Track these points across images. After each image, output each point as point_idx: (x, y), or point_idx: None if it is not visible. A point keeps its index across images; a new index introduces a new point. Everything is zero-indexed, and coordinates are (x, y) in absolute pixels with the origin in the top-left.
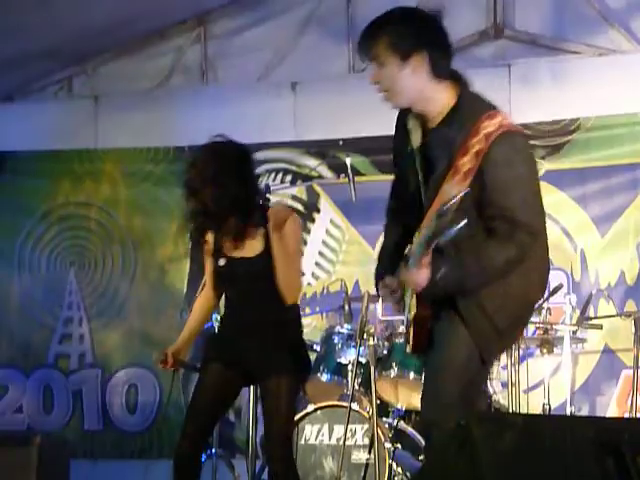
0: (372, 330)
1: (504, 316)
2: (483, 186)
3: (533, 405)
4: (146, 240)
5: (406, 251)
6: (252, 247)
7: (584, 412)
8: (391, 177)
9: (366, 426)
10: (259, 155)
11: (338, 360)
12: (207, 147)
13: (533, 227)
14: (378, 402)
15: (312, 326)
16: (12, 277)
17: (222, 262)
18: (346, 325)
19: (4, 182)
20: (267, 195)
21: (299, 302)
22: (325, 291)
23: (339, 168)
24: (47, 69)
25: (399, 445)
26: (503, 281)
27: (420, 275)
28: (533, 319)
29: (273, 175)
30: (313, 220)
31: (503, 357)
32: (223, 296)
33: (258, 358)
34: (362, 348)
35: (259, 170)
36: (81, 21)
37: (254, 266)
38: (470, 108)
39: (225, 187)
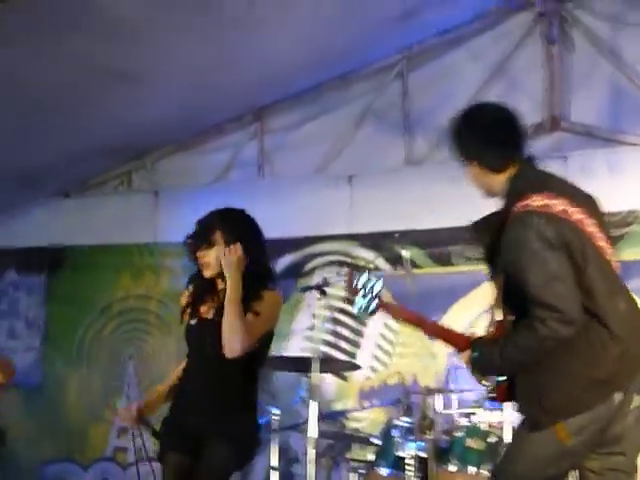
0: (432, 424)
1: (552, 393)
2: (507, 269)
3: None
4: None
5: None
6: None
7: None
8: (446, 269)
9: None
10: (315, 248)
11: (397, 454)
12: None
13: (557, 305)
14: None
15: (370, 419)
16: (71, 370)
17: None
18: (405, 418)
19: (64, 276)
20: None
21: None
22: (383, 384)
23: (395, 260)
24: (107, 164)
25: None
26: (557, 359)
27: (464, 355)
28: None
29: (329, 268)
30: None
31: None
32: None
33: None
34: (422, 442)
35: (316, 262)
36: (140, 117)
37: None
38: (513, 191)
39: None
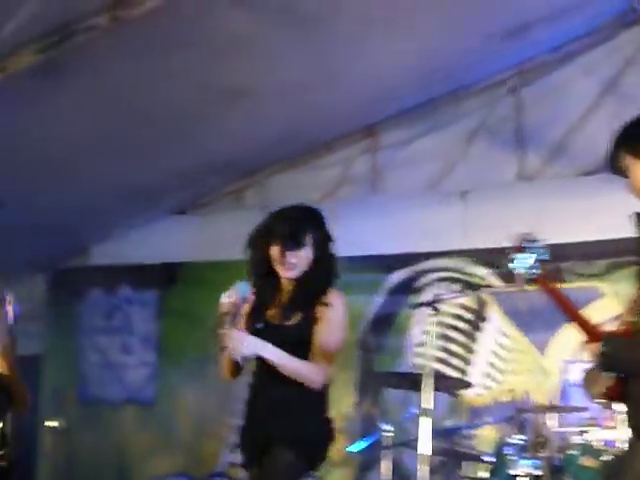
0: (545, 441)
1: None
2: None
3: None
4: None
5: None
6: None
7: None
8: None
9: None
10: (428, 264)
11: (510, 472)
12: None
13: None
14: None
15: (483, 437)
16: (185, 386)
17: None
18: (518, 436)
19: (177, 292)
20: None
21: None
22: (495, 401)
23: (508, 276)
24: (220, 181)
25: None
26: None
27: (592, 347)
28: None
29: (441, 284)
30: (480, 329)
31: None
32: None
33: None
34: (535, 460)
35: (427, 279)
36: (252, 134)
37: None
38: None
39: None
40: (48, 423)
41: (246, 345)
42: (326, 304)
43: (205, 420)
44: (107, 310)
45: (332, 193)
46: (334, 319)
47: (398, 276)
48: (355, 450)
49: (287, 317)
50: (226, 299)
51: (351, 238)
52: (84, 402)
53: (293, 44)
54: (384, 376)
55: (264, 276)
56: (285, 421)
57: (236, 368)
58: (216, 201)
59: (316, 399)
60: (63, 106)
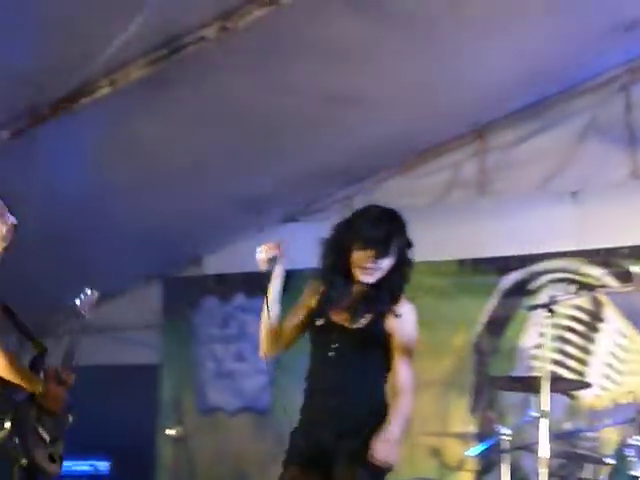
0: None
1: None
2: None
3: None
4: (428, 352)
5: None
6: None
7: None
8: None
9: None
10: (541, 265)
11: (632, 473)
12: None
13: None
14: None
15: (602, 439)
16: (299, 394)
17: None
18: (639, 437)
19: (289, 299)
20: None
21: None
22: (615, 403)
23: (624, 276)
24: (330, 188)
25: None
26: None
27: None
28: None
29: (556, 285)
30: (597, 330)
31: None
32: None
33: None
34: None
35: (542, 280)
36: (361, 140)
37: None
38: None
39: None
40: (167, 432)
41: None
42: (397, 315)
43: None
44: (222, 318)
45: (442, 197)
46: (406, 330)
47: (512, 278)
48: (473, 454)
49: (356, 320)
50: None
51: (462, 241)
52: (201, 410)
53: (402, 49)
54: (500, 379)
55: (338, 275)
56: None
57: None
58: (326, 207)
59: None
60: (174, 118)
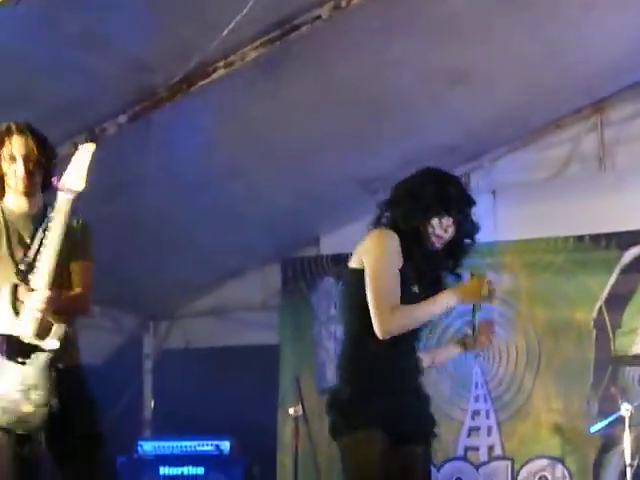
0: None
1: None
2: None
3: None
4: (549, 330)
5: None
6: None
7: None
8: None
9: None
10: None
11: None
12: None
13: None
14: None
15: None
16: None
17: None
18: None
19: None
20: None
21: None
22: None
23: None
24: (445, 166)
25: None
26: None
27: None
28: None
29: None
30: None
31: None
32: None
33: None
34: None
35: None
36: (476, 116)
37: None
38: None
39: None
40: (289, 411)
41: None
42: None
43: (440, 405)
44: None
45: (560, 172)
46: None
47: (632, 253)
48: (596, 430)
49: (429, 287)
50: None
51: (581, 217)
52: (321, 390)
53: (515, 22)
54: (622, 355)
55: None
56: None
57: None
58: None
59: None
60: (289, 99)
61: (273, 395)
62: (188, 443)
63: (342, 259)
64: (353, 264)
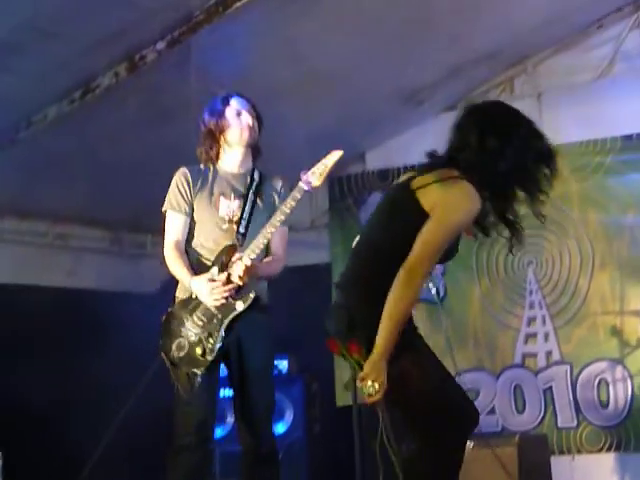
0: None
1: None
2: None
3: None
4: (602, 232)
5: None
6: None
7: None
8: None
9: None
10: None
11: None
12: None
13: None
14: None
15: None
16: (473, 283)
17: None
18: None
19: None
20: None
21: None
22: None
23: None
24: (487, 73)
25: None
26: None
27: None
28: None
29: None
30: None
31: None
32: None
33: None
34: None
35: None
36: (517, 22)
37: None
38: None
39: None
40: None
41: None
42: None
43: (496, 314)
44: None
45: (605, 72)
46: None
47: None
48: None
49: None
50: None
51: (629, 116)
52: None
53: None
54: None
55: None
56: None
57: None
58: (486, 93)
59: None
60: (328, 14)
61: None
62: None
63: (388, 174)
64: (425, 204)
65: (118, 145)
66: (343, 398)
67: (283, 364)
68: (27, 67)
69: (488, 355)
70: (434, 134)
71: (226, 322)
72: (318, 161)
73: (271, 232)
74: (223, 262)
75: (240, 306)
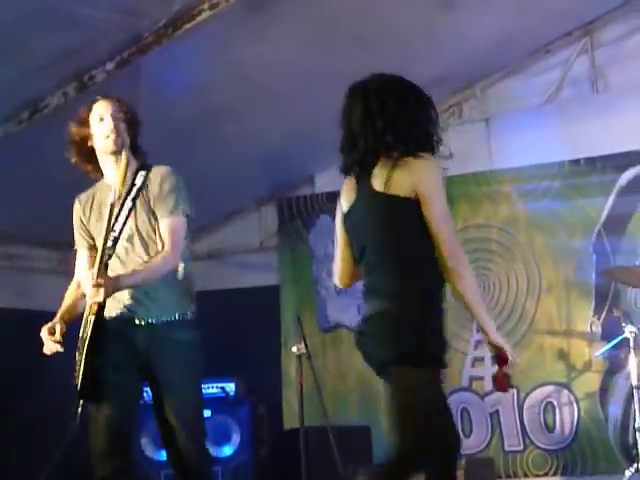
0: None
1: None
2: None
3: None
4: (549, 255)
5: None
6: None
7: None
8: None
9: None
10: None
11: None
12: None
13: None
14: None
15: None
16: None
17: None
18: None
19: None
20: None
21: None
22: None
23: None
24: (435, 98)
25: None
26: None
27: None
28: None
29: None
30: None
31: None
32: None
33: None
34: None
35: None
36: (465, 46)
37: None
38: None
39: None
40: (292, 349)
41: None
42: None
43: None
44: None
45: (553, 97)
46: None
47: (629, 175)
48: (600, 354)
49: None
50: None
51: (576, 140)
52: (323, 328)
53: None
54: (624, 275)
55: None
56: None
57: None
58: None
59: None
60: (277, 37)
61: (275, 335)
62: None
63: (337, 196)
64: (397, 191)
65: (66, 164)
66: (290, 420)
67: (230, 386)
68: None
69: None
70: None
71: (83, 356)
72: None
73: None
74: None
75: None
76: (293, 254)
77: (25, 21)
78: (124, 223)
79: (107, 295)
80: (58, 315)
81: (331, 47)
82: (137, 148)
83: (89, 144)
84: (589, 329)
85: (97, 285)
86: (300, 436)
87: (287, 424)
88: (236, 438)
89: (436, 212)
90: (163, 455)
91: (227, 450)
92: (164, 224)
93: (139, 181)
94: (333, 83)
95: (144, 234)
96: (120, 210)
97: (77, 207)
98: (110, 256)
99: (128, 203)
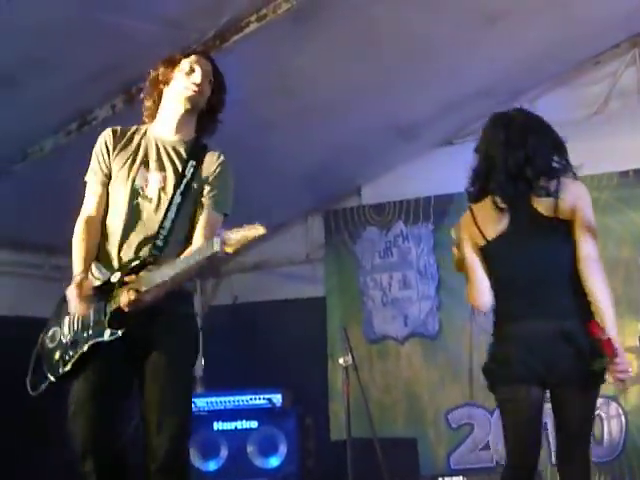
0: None
1: None
2: None
3: None
4: None
5: None
6: None
7: None
8: None
9: None
10: None
11: None
12: None
13: None
14: None
15: None
16: (465, 317)
17: None
18: None
19: (451, 224)
20: None
21: None
22: None
23: None
24: (482, 108)
25: None
26: None
27: None
28: None
29: None
30: None
31: None
32: None
33: None
34: None
35: None
36: (513, 57)
37: None
38: None
39: None
40: (339, 361)
41: None
42: None
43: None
44: (383, 247)
45: (601, 109)
46: None
47: None
48: None
49: None
50: None
51: (625, 152)
52: (370, 340)
53: None
54: None
55: None
56: None
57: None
58: (481, 128)
59: None
60: (323, 48)
61: (321, 347)
62: (240, 397)
63: (384, 208)
64: (561, 215)
65: None
66: (337, 432)
67: (277, 397)
68: (22, 100)
69: (482, 391)
70: (429, 168)
71: (90, 343)
72: (240, 226)
73: (169, 276)
74: (124, 274)
75: (107, 335)
76: (339, 265)
77: (73, 35)
78: (173, 221)
79: (135, 307)
80: (82, 267)
81: (378, 61)
82: (205, 118)
83: (162, 87)
84: (637, 342)
85: (136, 292)
86: (347, 448)
87: (334, 435)
88: (283, 449)
89: (590, 225)
90: (211, 465)
91: (274, 461)
92: (205, 215)
93: (189, 172)
94: (379, 96)
95: (180, 234)
96: (169, 206)
97: (108, 136)
98: (151, 262)
99: (177, 198)
